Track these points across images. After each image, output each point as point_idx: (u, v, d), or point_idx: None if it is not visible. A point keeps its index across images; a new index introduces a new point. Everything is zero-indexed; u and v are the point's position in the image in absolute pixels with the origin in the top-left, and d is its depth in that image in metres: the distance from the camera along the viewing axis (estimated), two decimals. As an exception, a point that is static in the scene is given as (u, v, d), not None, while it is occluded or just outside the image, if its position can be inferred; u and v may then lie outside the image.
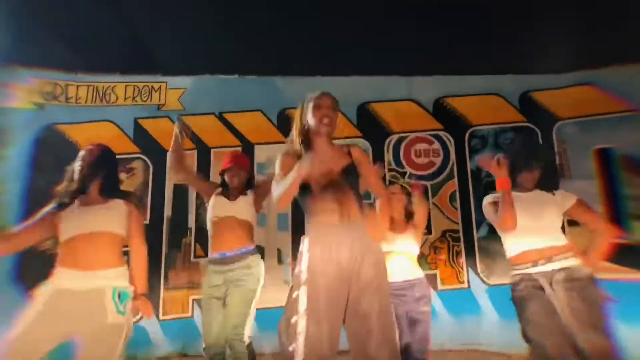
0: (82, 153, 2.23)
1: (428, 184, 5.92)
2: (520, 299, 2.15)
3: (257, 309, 5.32)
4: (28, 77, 5.90)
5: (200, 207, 5.86)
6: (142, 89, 6.18)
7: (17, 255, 5.32)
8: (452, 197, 5.87)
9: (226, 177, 2.94)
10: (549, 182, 2.41)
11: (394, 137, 6.08)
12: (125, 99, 6.14)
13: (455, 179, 5.92)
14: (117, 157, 5.84)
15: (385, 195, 2.19)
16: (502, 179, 2.34)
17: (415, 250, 3.17)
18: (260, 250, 3.58)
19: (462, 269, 5.65)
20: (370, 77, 6.22)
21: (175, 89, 6.20)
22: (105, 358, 1.90)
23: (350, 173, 2.03)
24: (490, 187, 5.87)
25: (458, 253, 5.70)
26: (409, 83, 6.24)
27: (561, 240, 2.27)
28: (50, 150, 5.84)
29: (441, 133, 6.09)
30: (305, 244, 1.92)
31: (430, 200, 5.86)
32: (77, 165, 2.14)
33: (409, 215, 3.15)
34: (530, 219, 2.23)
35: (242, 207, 2.78)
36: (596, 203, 5.60)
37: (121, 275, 2.07)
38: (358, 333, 1.75)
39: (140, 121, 6.11)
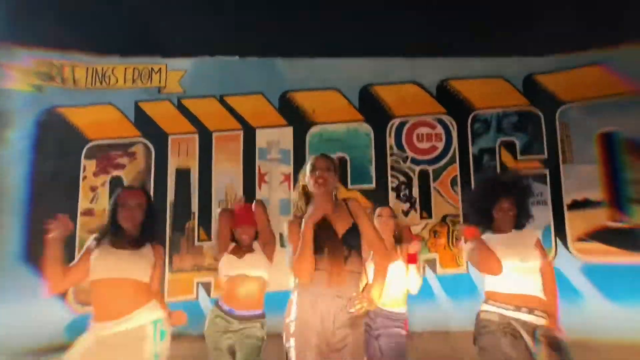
0: (121, 195, 2.16)
1: (430, 168, 5.92)
2: (495, 343, 2.04)
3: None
4: (24, 56, 5.82)
5: (202, 190, 5.90)
6: (142, 71, 6.11)
7: (26, 236, 5.44)
8: (453, 182, 5.88)
9: (236, 235, 2.82)
10: (522, 219, 2.27)
11: (396, 121, 6.04)
12: (125, 81, 6.07)
13: (457, 164, 5.91)
14: (118, 141, 5.97)
15: (383, 253, 2.14)
16: (468, 229, 2.25)
17: (402, 283, 2.85)
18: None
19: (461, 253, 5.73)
20: (372, 59, 6.11)
21: (175, 70, 6.12)
22: None
23: (354, 235, 2.06)
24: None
25: (457, 237, 5.76)
26: (412, 65, 6.14)
27: (540, 290, 2.17)
28: (51, 134, 5.85)
29: (444, 117, 6.04)
30: (295, 295, 2.04)
31: (431, 185, 5.88)
32: (115, 206, 2.10)
33: (397, 240, 2.93)
34: (518, 259, 2.13)
35: (252, 264, 2.69)
36: (598, 188, 5.62)
37: (154, 307, 2.09)
38: None
39: (140, 104, 6.07)
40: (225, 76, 6.10)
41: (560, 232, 5.67)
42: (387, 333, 2.68)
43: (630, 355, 4.53)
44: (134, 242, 2.07)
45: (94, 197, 5.92)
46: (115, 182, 5.94)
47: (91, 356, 1.94)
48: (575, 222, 5.64)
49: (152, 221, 2.16)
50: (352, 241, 2.02)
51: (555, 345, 2.04)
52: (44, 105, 5.85)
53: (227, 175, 5.89)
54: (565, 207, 5.69)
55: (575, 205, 5.67)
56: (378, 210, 2.85)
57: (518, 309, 2.06)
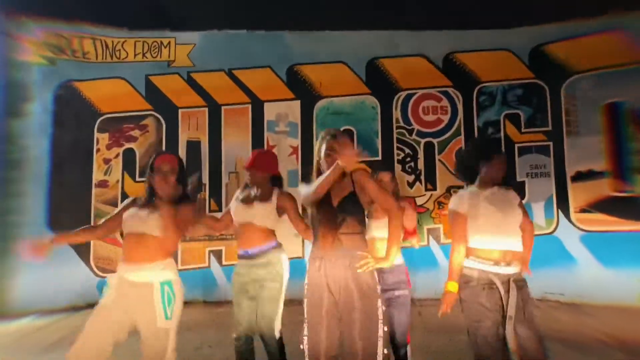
0: (156, 160, 2.29)
1: (435, 140, 6.02)
2: (474, 295, 2.21)
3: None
4: (34, 29, 5.91)
5: (212, 163, 6.06)
6: (152, 44, 6.19)
7: (48, 202, 5.70)
8: (457, 154, 5.97)
9: (246, 177, 2.81)
10: (509, 179, 2.41)
11: (403, 94, 6.11)
12: (135, 55, 6.16)
13: (462, 136, 6.00)
14: (130, 114, 6.11)
15: (395, 209, 2.23)
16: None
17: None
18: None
19: (465, 223, 5.86)
20: (379, 32, 6.14)
21: (184, 44, 6.20)
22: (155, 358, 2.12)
23: (348, 202, 2.18)
24: (497, 143, 5.98)
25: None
26: (419, 38, 6.16)
27: (519, 244, 2.29)
28: (68, 107, 6.01)
29: (450, 90, 6.10)
30: (308, 262, 2.23)
31: (436, 157, 5.99)
32: (150, 171, 2.26)
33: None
34: (501, 215, 2.25)
35: (260, 215, 2.69)
36: (602, 158, 5.69)
37: (167, 266, 2.22)
38: (345, 347, 2.09)
39: (151, 78, 6.18)
40: (234, 50, 6.17)
41: (563, 203, 5.79)
42: (392, 295, 2.74)
43: (620, 315, 4.74)
44: (165, 203, 2.18)
45: (108, 169, 6.10)
46: (128, 155, 6.12)
47: (115, 292, 2.16)
48: (578, 193, 5.75)
49: (183, 184, 2.29)
50: (346, 208, 2.15)
51: (522, 285, 2.24)
52: (59, 79, 5.99)
53: (236, 148, 6.03)
54: (568, 179, 5.79)
55: (579, 176, 5.76)
56: (379, 174, 2.93)
57: (497, 263, 2.20)
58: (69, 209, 5.68)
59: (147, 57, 6.18)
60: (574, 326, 4.48)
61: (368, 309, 2.07)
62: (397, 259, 2.76)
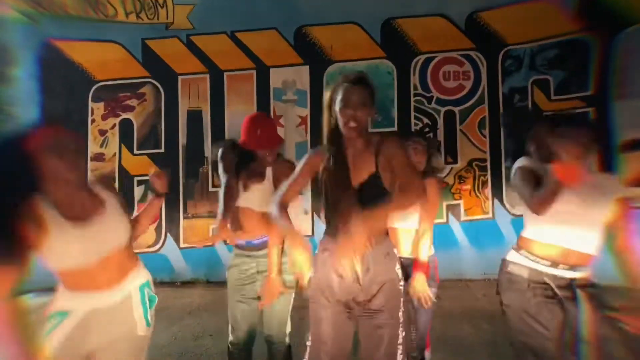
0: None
1: (456, 109, 5.53)
2: (522, 298, 1.74)
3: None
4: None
5: (215, 134, 5.65)
6: (146, 3, 5.66)
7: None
8: (480, 124, 5.49)
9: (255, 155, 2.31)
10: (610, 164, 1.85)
11: (421, 58, 5.58)
12: (127, 14, 5.66)
13: (486, 104, 5.50)
14: (126, 82, 5.67)
15: (426, 207, 2.02)
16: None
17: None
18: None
19: (488, 199, 5.44)
20: (395, -11, 5.57)
21: (183, 4, 5.68)
22: None
23: (372, 187, 1.69)
24: (522, 113, 5.47)
25: (484, 183, 5.45)
26: (439, -5, 5.58)
27: (595, 248, 1.74)
28: (56, 73, 5.58)
29: (472, 53, 5.55)
30: (318, 247, 1.84)
31: (457, 128, 5.51)
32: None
33: (430, 173, 2.46)
34: (581, 201, 1.70)
35: (259, 198, 2.22)
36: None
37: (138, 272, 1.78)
38: (368, 343, 1.75)
39: (148, 42, 5.70)
40: (237, 10, 5.64)
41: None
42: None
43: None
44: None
45: (104, 141, 5.72)
46: (126, 125, 5.71)
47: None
48: (630, 165, 4.95)
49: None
50: (368, 195, 1.67)
51: (594, 294, 1.71)
52: (41, 38, 5.52)
53: (240, 118, 5.58)
54: (617, 149, 4.99)
55: (631, 146, 4.98)
56: (412, 142, 2.39)
57: (555, 265, 1.72)
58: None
59: (142, 19, 5.67)
60: None
61: (393, 313, 1.72)
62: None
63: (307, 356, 1.75)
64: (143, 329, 1.70)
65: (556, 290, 1.71)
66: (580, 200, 1.72)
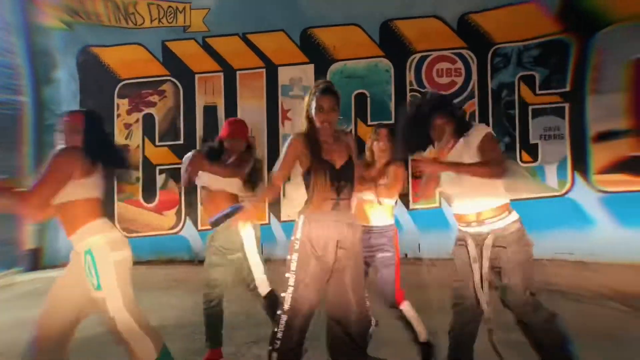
0: None
1: (448, 103, 6.01)
2: (455, 250, 2.32)
3: (282, 222, 5.92)
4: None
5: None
6: (167, 9, 6.25)
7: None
8: (471, 118, 5.98)
9: (225, 144, 2.86)
10: (460, 127, 2.27)
11: (417, 56, 6.09)
12: (152, 20, 6.25)
13: (476, 99, 6.00)
14: (148, 80, 6.26)
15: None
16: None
17: (387, 201, 2.79)
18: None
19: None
20: (394, -8, 6.06)
21: (199, 9, 6.25)
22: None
23: (350, 168, 2.23)
24: (510, 106, 5.95)
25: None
26: (434, -3, 6.06)
27: (493, 199, 2.20)
28: (90, 74, 6.22)
29: (464, 51, 6.05)
30: (301, 220, 2.20)
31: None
32: None
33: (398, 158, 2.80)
34: (451, 186, 2.26)
35: (233, 182, 2.81)
36: (621, 116, 5.53)
37: (89, 231, 2.04)
38: (337, 297, 2.19)
39: (168, 44, 6.28)
40: (248, 14, 6.19)
41: (581, 165, 5.72)
42: (378, 258, 2.73)
43: (625, 272, 4.85)
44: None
45: (129, 133, 6.32)
46: (148, 120, 6.32)
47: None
48: (599, 154, 5.61)
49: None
50: (348, 174, 2.21)
51: (500, 248, 2.18)
52: (79, 44, 6.18)
53: (252, 112, 6.15)
54: (589, 140, 5.66)
55: (601, 137, 5.60)
56: (378, 131, 2.79)
57: (468, 224, 2.24)
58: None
59: (162, 23, 6.26)
60: (575, 280, 4.62)
61: (360, 270, 2.24)
62: (386, 219, 2.78)
63: (288, 289, 2.16)
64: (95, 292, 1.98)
65: (468, 239, 2.24)
66: (450, 181, 2.26)
